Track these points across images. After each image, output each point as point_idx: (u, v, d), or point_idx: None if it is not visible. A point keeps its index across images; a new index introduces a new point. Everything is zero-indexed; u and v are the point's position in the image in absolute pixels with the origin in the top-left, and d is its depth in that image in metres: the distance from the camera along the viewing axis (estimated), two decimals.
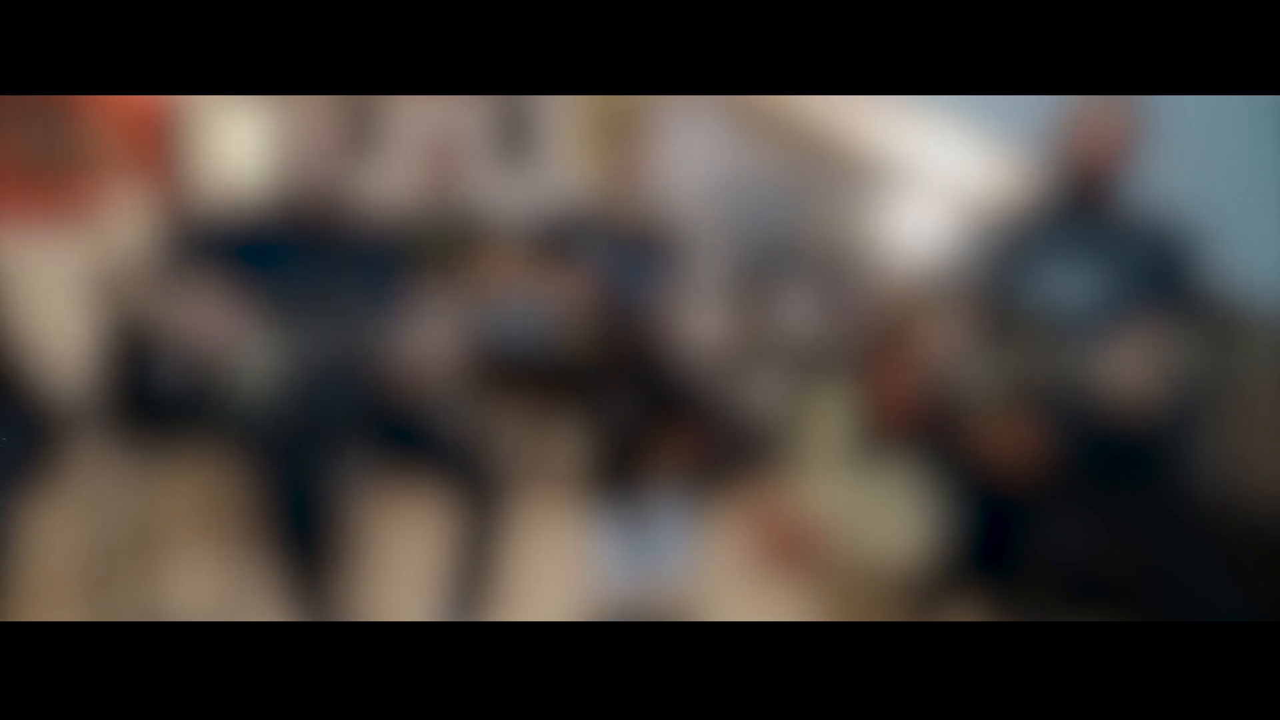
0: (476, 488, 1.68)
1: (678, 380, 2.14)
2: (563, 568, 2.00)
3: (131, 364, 1.69)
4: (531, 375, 2.35)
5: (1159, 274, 1.65)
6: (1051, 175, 1.69)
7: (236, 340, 1.58)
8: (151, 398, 1.65)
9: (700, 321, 2.39)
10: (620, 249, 2.33)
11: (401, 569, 1.80)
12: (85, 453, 1.72)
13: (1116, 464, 1.54)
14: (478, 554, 1.68)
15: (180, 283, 1.60)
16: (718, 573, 2.03)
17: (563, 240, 2.38)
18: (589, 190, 2.75)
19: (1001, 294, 1.67)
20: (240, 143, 3.08)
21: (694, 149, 3.66)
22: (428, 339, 1.71)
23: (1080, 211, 1.67)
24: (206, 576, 1.83)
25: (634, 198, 2.37)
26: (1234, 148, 2.48)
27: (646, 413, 2.00)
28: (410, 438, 1.71)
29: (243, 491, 1.59)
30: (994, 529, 1.53)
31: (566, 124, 4.02)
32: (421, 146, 2.89)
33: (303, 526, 1.56)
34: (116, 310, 1.74)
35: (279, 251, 1.72)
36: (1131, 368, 1.53)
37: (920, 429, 1.64)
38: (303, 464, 1.58)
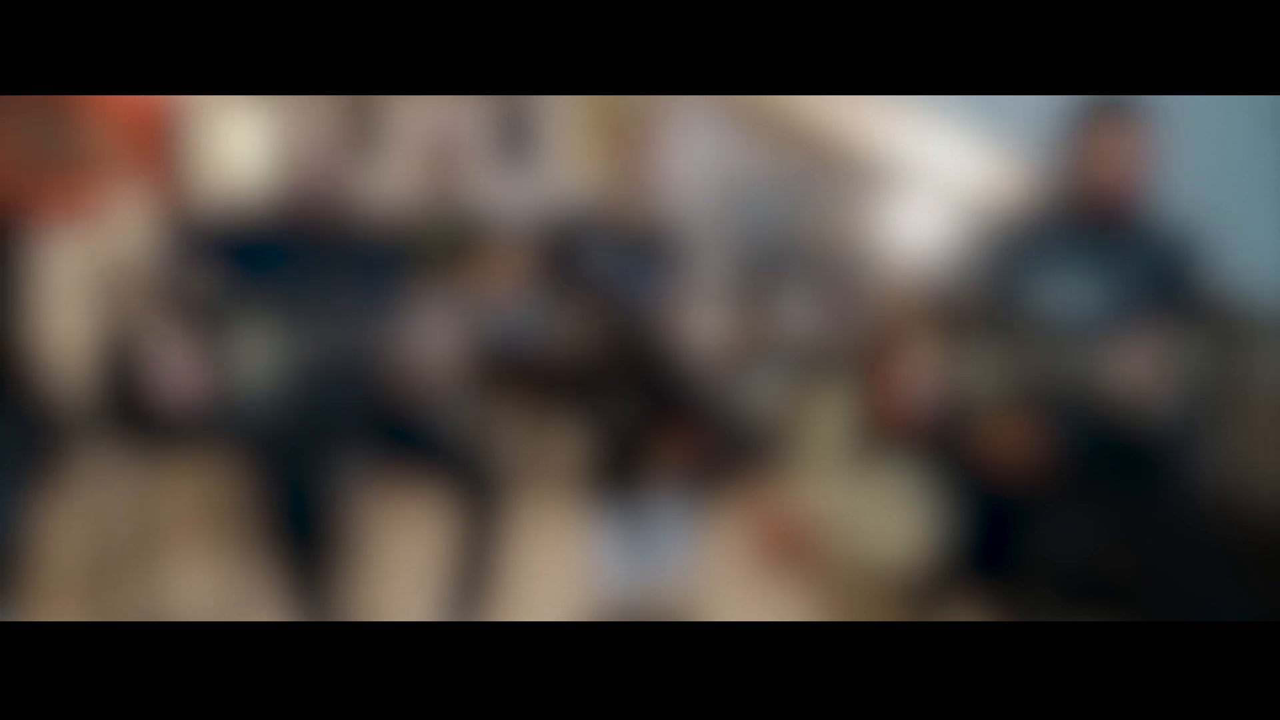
0: (476, 488, 1.68)
1: (678, 380, 2.14)
2: (563, 568, 2.00)
3: (132, 364, 1.69)
4: (532, 376, 2.35)
5: (1162, 276, 1.64)
6: (1062, 185, 1.68)
7: (205, 396, 1.58)
8: (152, 398, 1.64)
9: (701, 322, 2.39)
10: (621, 249, 2.33)
11: (401, 569, 1.80)
12: (86, 453, 1.72)
13: (1118, 465, 1.54)
14: (477, 554, 1.68)
15: (156, 325, 1.60)
16: (718, 573, 2.03)
17: (563, 241, 2.37)
18: (590, 190, 2.74)
19: (1003, 296, 1.67)
20: (241, 143, 3.08)
21: (695, 149, 3.66)
22: (428, 339, 1.71)
23: (1089, 219, 1.66)
24: (206, 577, 1.83)
25: (634, 198, 2.36)
26: (1235, 148, 2.47)
27: (647, 413, 2.00)
28: (410, 438, 1.71)
29: (243, 492, 1.59)
30: (994, 529, 1.53)
31: (567, 124, 4.02)
32: (422, 146, 2.89)
33: (303, 527, 1.56)
34: (118, 311, 1.74)
35: (279, 252, 1.72)
36: (1134, 370, 1.53)
37: (920, 430, 1.64)
38: (303, 464, 1.58)
